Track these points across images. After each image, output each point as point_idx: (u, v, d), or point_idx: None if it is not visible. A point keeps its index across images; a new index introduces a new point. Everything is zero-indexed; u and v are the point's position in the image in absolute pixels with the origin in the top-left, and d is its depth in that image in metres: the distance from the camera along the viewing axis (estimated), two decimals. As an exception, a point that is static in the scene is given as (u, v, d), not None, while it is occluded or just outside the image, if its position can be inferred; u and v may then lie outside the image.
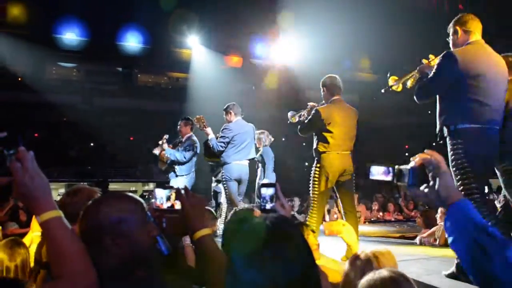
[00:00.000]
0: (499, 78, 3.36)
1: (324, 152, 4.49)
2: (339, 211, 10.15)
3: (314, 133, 4.66)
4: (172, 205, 1.69)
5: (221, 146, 5.95)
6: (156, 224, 1.61)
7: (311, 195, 4.66)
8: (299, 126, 4.77)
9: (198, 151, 6.82)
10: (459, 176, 3.28)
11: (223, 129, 6.06)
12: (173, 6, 12.60)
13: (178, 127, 7.01)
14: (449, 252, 5.11)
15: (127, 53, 14.13)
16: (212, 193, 7.88)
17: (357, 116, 4.68)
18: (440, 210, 6.06)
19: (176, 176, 6.81)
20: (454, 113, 3.33)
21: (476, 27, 3.51)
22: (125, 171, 18.22)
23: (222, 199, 7.52)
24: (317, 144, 4.58)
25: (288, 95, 15.71)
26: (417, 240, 6.17)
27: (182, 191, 1.64)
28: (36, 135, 15.84)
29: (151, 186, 18.60)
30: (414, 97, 3.57)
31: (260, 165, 7.30)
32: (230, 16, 12.97)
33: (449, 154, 3.33)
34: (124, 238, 1.46)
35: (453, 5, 14.98)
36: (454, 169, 3.30)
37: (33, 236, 3.50)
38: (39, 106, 14.22)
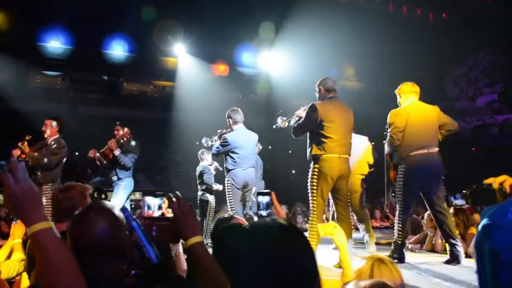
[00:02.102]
0: (346, 123, 4.80)
1: (233, 169, 5.75)
2: (327, 219, 10.18)
3: (224, 154, 5.91)
4: (163, 214, 1.69)
5: (133, 163, 6.43)
6: (145, 232, 1.61)
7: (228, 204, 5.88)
8: (213, 150, 6.02)
9: (65, 156, 6.09)
10: (310, 192, 4.66)
11: (135, 146, 6.50)
12: (159, 14, 12.58)
13: (44, 126, 6.18)
14: (436, 258, 5.17)
15: (112, 61, 14.03)
16: (198, 201, 7.82)
17: (257, 138, 6.10)
18: (426, 216, 6.11)
19: (40, 184, 5.76)
20: (315, 146, 4.68)
21: (332, 87, 4.89)
22: (111, 180, 18.01)
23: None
24: (227, 162, 5.85)
25: (275, 104, 15.77)
26: (404, 247, 6.19)
27: (174, 199, 1.65)
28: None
29: (137, 195, 18.41)
30: (292, 134, 5.00)
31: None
32: (217, 25, 12.99)
33: (309, 174, 4.70)
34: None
35: (438, 15, 15.24)
36: (309, 185, 4.68)
37: (14, 244, 3.43)
38: (22, 115, 14.02)
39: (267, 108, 15.70)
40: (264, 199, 1.86)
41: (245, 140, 5.88)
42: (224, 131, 6.16)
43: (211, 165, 7.83)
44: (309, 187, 4.72)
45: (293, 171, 17.15)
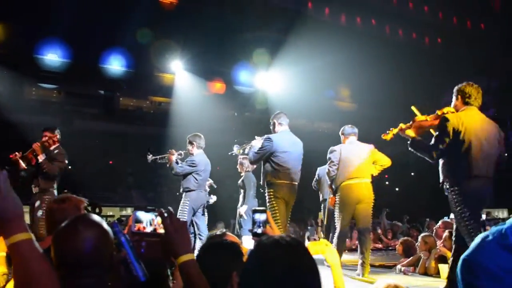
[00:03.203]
0: (297, 152, 5.46)
1: (194, 190, 6.28)
2: (319, 238, 10.15)
3: (186, 175, 6.37)
4: (155, 229, 1.64)
5: (58, 173, 5.81)
6: (134, 248, 1.57)
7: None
8: (177, 169, 6.36)
9: None
10: (272, 213, 4.99)
11: (62, 154, 5.97)
12: (157, 31, 12.64)
13: None
14: (428, 282, 5.12)
15: (109, 76, 14.02)
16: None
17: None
18: (420, 239, 6.08)
19: None
20: (270, 173, 5.27)
21: (284, 121, 5.54)
22: (103, 195, 17.87)
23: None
24: (189, 182, 6.31)
25: (270, 122, 15.84)
26: (396, 269, 6.15)
27: (165, 214, 1.60)
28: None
29: (129, 211, 18.25)
30: (250, 162, 5.80)
31: (241, 190, 7.24)
32: (214, 42, 13.07)
33: (266, 199, 5.25)
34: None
35: (433, 39, 15.45)
36: (269, 209, 5.08)
37: None
38: (17, 126, 13.94)
39: (262, 127, 15.73)
40: (261, 217, 1.84)
41: (207, 164, 6.54)
42: (181, 152, 6.76)
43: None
44: (270, 212, 5.11)
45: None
